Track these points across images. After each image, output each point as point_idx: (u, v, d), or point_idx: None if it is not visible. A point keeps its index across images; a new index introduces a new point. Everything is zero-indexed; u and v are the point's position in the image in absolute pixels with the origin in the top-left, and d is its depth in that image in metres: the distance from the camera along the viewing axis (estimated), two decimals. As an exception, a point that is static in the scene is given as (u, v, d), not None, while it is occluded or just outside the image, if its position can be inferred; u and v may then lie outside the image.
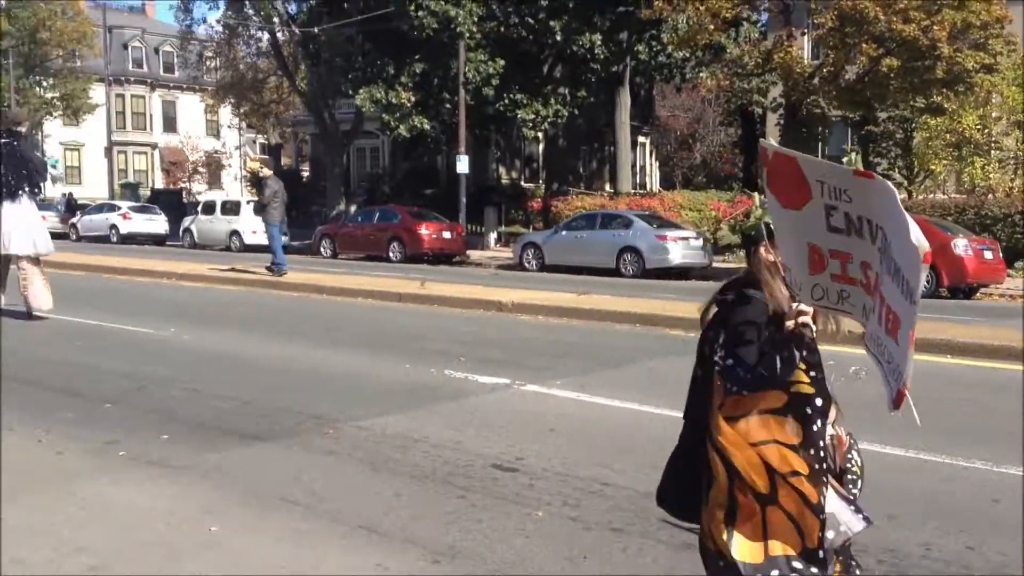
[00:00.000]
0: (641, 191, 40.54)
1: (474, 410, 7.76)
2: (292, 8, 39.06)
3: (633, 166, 40.92)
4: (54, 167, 58.72)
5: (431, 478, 5.86)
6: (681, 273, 23.46)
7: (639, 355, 10.69)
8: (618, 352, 10.96)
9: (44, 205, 40.32)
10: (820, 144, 32.70)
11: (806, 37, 31.40)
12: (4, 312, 12.65)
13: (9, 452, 6.37)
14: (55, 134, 62.14)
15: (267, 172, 19.72)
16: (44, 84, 54.91)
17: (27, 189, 12.35)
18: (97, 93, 55.10)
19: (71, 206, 43.88)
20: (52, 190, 57.22)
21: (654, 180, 50.17)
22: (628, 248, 23.83)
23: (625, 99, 35.00)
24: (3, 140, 12.11)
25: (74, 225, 39.60)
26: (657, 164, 52.49)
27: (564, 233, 25.73)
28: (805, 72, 27.30)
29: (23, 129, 13.30)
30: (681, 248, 23.66)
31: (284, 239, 27.43)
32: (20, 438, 6.74)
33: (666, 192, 36.95)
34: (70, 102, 55.73)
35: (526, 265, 25.76)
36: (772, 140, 30.42)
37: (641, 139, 47.35)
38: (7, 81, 48.86)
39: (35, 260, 12.53)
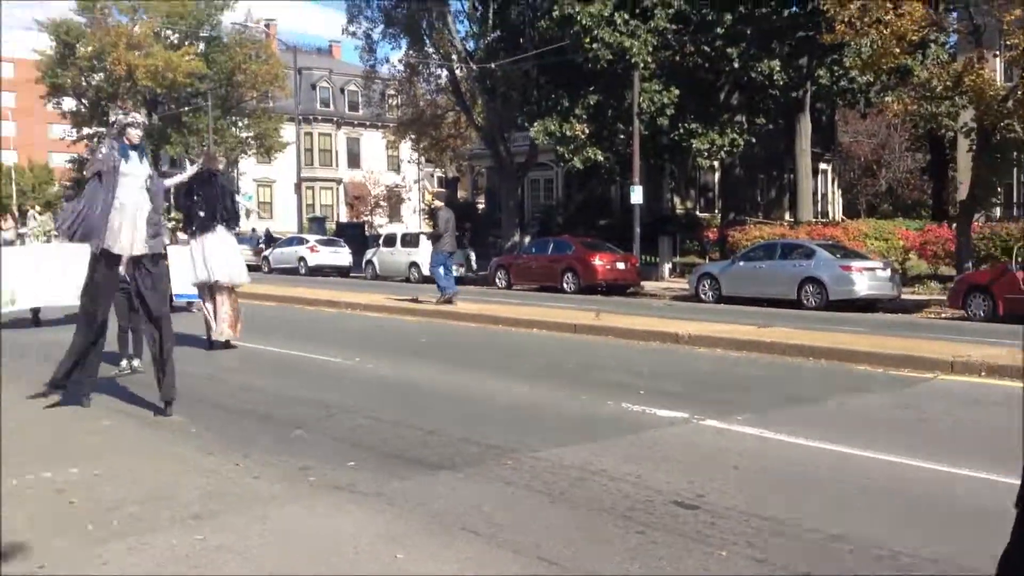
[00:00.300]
0: (823, 220, 39.37)
1: (653, 444, 7.67)
2: (470, 45, 40.00)
3: (814, 194, 39.80)
4: (248, 201, 62.02)
5: (610, 512, 5.81)
6: (867, 305, 22.59)
7: (824, 391, 10.33)
8: (802, 388, 10.64)
9: (240, 239, 42.65)
10: (1016, 171, 30.96)
11: (998, 59, 29.87)
12: (185, 339, 13.40)
13: (209, 476, 6.71)
14: (249, 171, 65.55)
15: (439, 204, 20.50)
16: (239, 124, 58.10)
17: (223, 222, 13.07)
18: (287, 132, 57.87)
19: (270, 239, 46.25)
20: (246, 224, 60.43)
21: (836, 208, 48.64)
22: (810, 279, 23.13)
23: (805, 125, 34.14)
24: (204, 177, 12.80)
25: (266, 258, 41.60)
26: (839, 192, 50.89)
27: (742, 263, 25.23)
28: (998, 95, 25.93)
29: (219, 167, 14.21)
30: (867, 279, 22.81)
31: (460, 270, 27.97)
32: (219, 462, 7.09)
33: (849, 221, 35.76)
34: (263, 141, 58.76)
35: (702, 296, 25.38)
36: (962, 166, 28.92)
37: (822, 166, 46.05)
38: (206, 122, 51.98)
39: (230, 289, 13.22)
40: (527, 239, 38.16)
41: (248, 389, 10.43)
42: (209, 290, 13.22)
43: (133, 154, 8.70)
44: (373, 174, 64.91)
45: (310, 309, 20.42)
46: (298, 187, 52.08)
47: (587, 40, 30.24)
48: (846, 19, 26.39)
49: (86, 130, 58.83)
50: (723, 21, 30.53)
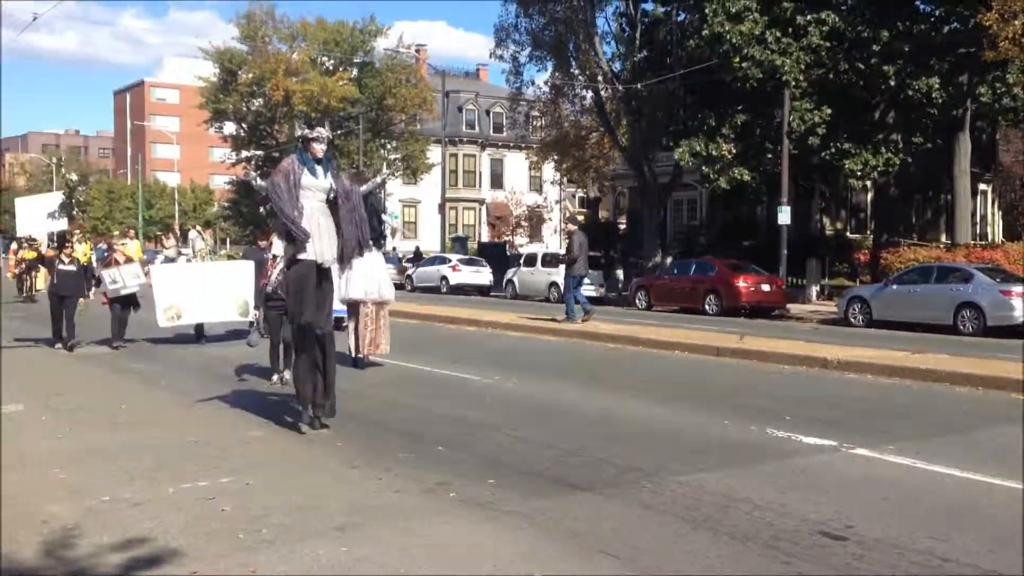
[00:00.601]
0: (981, 242, 37.64)
1: (799, 472, 7.46)
2: (616, 66, 40.01)
3: (972, 215, 38.12)
4: (394, 220, 63.48)
5: (754, 540, 5.67)
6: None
7: (982, 421, 9.85)
8: (958, 417, 10.17)
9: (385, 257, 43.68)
10: None
11: None
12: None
13: (354, 488, 6.87)
14: (396, 192, 67.15)
15: (572, 227, 20.67)
16: (388, 146, 59.61)
17: (371, 241, 13.35)
18: (433, 153, 59.05)
19: (418, 257, 47.30)
20: (392, 243, 61.82)
21: (996, 231, 46.47)
22: (967, 304, 22.12)
23: (965, 145, 32.77)
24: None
25: (409, 276, 42.46)
26: (1000, 213, 48.60)
27: (895, 287, 24.34)
28: None
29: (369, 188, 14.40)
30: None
31: (600, 290, 27.83)
32: (363, 475, 7.25)
33: (1010, 243, 34.05)
34: (409, 162, 60.12)
35: (852, 320, 24.60)
36: None
37: (982, 186, 44.11)
38: (357, 144, 53.54)
39: (378, 307, 13.47)
40: (668, 260, 37.81)
41: (392, 405, 10.65)
42: (357, 307, 13.41)
43: (318, 167, 8.69)
44: (516, 194, 65.56)
45: (452, 328, 20.72)
46: (442, 207, 53.05)
47: (736, 59, 29.81)
48: (1010, 35, 25.30)
49: (244, 153, 61.38)
50: (879, 38, 29.62)
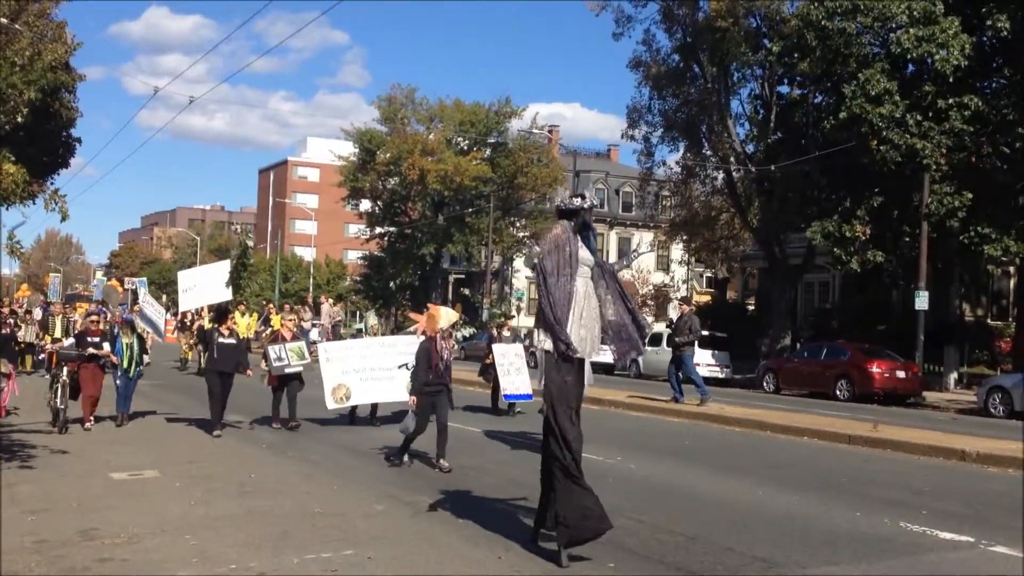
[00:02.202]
0: None
1: (933, 569, 7.14)
2: (749, 148, 39.85)
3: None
4: (519, 299, 64.02)
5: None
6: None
7: None
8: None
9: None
10: None
11: None
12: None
13: (473, 566, 6.88)
14: (522, 269, 67.79)
15: (685, 308, 21.27)
16: (517, 224, 60.40)
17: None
18: (561, 231, 59.58)
19: None
20: (517, 321, 62.27)
21: None
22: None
23: (1114, 228, 31.25)
24: None
25: (532, 354, 42.54)
26: None
27: (1039, 377, 23.21)
28: None
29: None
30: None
31: (718, 371, 27.21)
32: (484, 554, 7.26)
33: None
34: (538, 240, 60.76)
35: (991, 411, 23.50)
36: None
37: None
38: (487, 222, 54.43)
39: None
40: (798, 343, 36.92)
41: (517, 484, 10.67)
42: None
43: (589, 238, 7.56)
44: (642, 273, 65.39)
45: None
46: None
47: (875, 141, 29.30)
48: None
49: (378, 229, 63.09)
50: (1025, 121, 28.73)
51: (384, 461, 12.00)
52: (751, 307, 50.27)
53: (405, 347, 15.18)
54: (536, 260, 7.35)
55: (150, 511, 8.57)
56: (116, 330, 15.44)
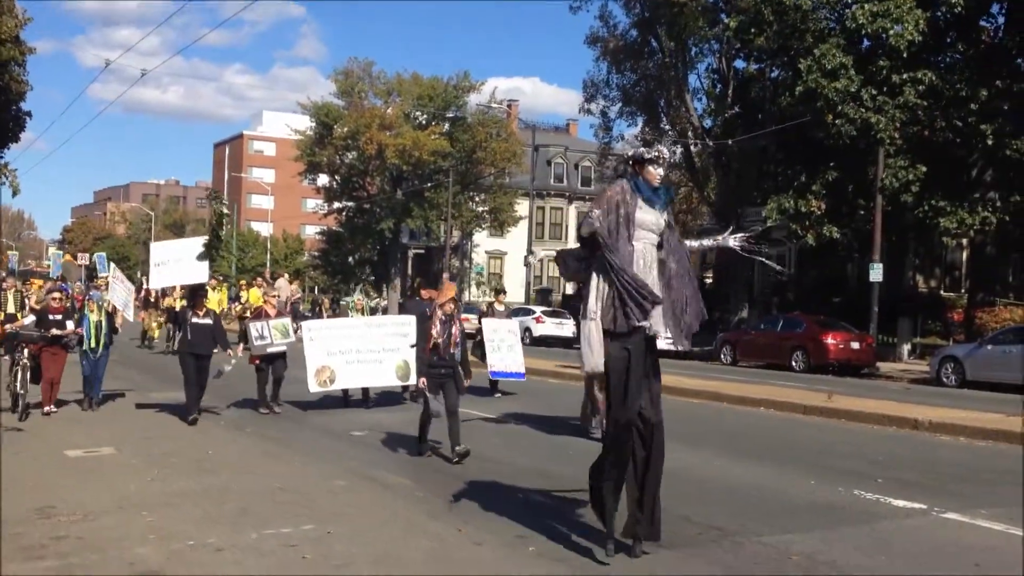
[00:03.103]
0: (1085, 304, 36.31)
1: (887, 536, 7.26)
2: (707, 123, 40.02)
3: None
4: (479, 274, 63.98)
5: (837, 606, 5.54)
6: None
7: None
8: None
9: (468, 309, 43.90)
10: None
11: None
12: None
13: (435, 540, 6.90)
14: (482, 244, 67.69)
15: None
16: (476, 199, 60.26)
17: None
18: (521, 206, 59.48)
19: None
20: (476, 295, 62.19)
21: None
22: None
23: (1065, 204, 31.80)
24: None
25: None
26: (1104, 273, 46.86)
27: (989, 347, 23.62)
28: None
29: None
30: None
31: (671, 343, 27.41)
32: (444, 527, 7.28)
33: (1114, 304, 32.79)
34: (497, 215, 60.64)
35: (944, 380, 23.90)
36: None
37: (1085, 247, 42.63)
38: (446, 197, 54.24)
39: None
40: (755, 315, 37.28)
41: (479, 459, 10.69)
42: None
43: (655, 199, 6.44)
44: (602, 248, 65.57)
45: (535, 379, 20.70)
46: (528, 259, 53.26)
47: (830, 116, 29.55)
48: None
49: (336, 204, 62.65)
50: (978, 96, 29.09)
51: (346, 439, 11.96)
52: (708, 280, 50.63)
53: (394, 328, 14.81)
54: (594, 225, 6.25)
55: (106, 489, 8.49)
56: (83, 308, 14.31)
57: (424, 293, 16.48)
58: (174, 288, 22.80)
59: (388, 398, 15.71)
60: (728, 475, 9.76)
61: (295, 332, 14.82)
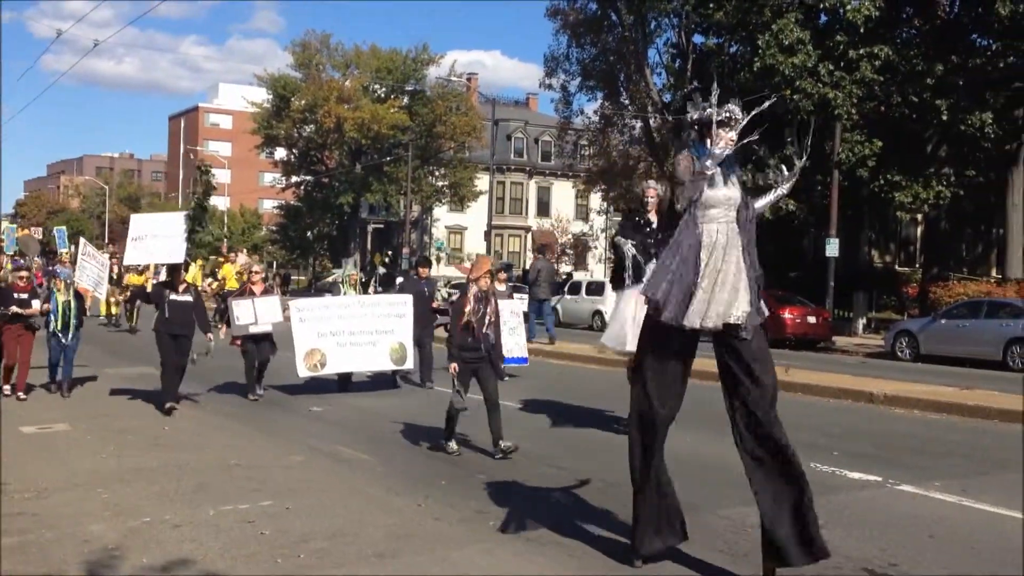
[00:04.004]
0: (1034, 278, 36.94)
1: (843, 508, 7.35)
2: (667, 97, 40.08)
3: (1025, 250, 37.46)
4: (439, 249, 63.81)
5: (795, 577, 5.59)
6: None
7: (1033, 460, 9.64)
8: (1007, 455, 9.94)
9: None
10: None
11: None
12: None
13: (394, 515, 6.88)
14: (443, 218, 67.52)
15: (537, 256, 21.55)
16: (436, 173, 60.02)
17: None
18: (481, 181, 59.36)
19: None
20: (437, 270, 62.06)
21: (1050, 266, 45.58)
22: (1018, 339, 21.69)
23: (1018, 179, 32.25)
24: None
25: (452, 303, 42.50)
26: (1054, 248, 47.66)
27: (943, 321, 23.96)
28: None
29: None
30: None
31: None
32: (404, 502, 7.26)
33: (1064, 279, 33.38)
34: (457, 190, 60.48)
35: (899, 354, 24.23)
36: None
37: (1036, 221, 43.33)
38: (405, 171, 53.97)
39: None
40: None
41: (438, 432, 10.67)
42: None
43: (725, 170, 5.68)
44: (562, 222, 65.64)
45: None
46: (488, 234, 53.21)
47: (788, 91, 29.72)
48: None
49: (295, 178, 62.12)
50: (933, 72, 29.38)
51: (305, 416, 11.88)
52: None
53: (389, 308, 13.97)
54: (682, 205, 5.50)
55: (61, 465, 8.38)
56: (51, 285, 13.19)
57: (423, 271, 15.50)
58: (137, 266, 22.04)
59: (380, 382, 14.74)
60: (686, 448, 9.80)
61: (284, 312, 13.57)
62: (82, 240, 15.59)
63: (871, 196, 31.93)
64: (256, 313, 13.13)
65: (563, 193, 70.85)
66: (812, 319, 28.05)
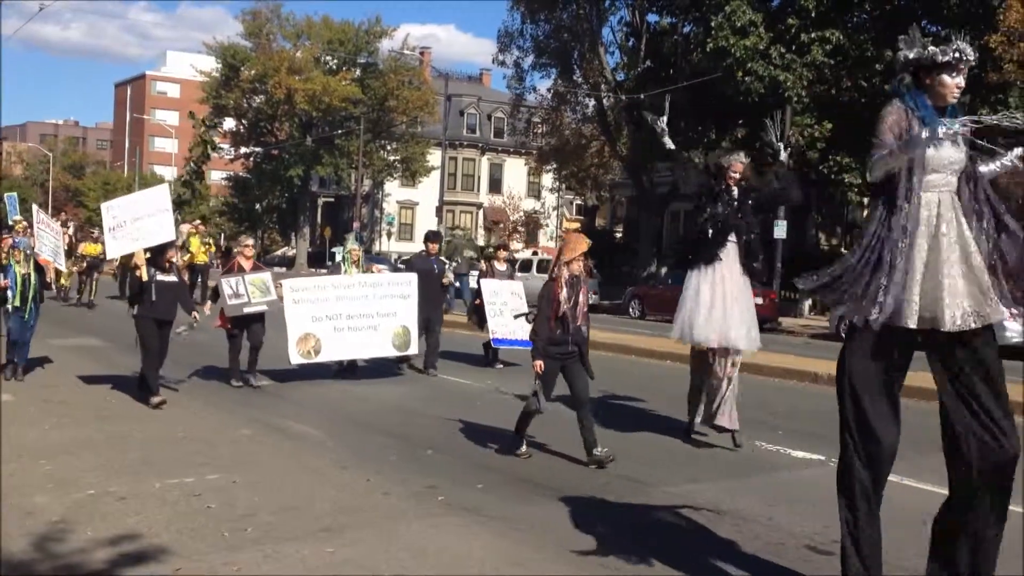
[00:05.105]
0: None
1: (787, 485, 7.47)
2: (620, 76, 40.11)
3: (970, 235, 38.18)
4: (389, 224, 63.50)
5: (739, 553, 5.67)
6: (1018, 353, 21.45)
7: (971, 441, 9.85)
8: (947, 436, 10.16)
9: (379, 259, 43.45)
10: None
11: None
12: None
13: (342, 490, 6.86)
14: (394, 193, 67.14)
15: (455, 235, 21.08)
16: (388, 148, 59.60)
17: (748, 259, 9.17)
18: (433, 156, 59.09)
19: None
20: (387, 246, 61.76)
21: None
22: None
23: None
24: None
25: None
26: (996, 234, 48.68)
27: (888, 304, 24.35)
28: None
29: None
30: (1020, 327, 21.67)
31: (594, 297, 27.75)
32: (352, 477, 7.24)
33: (1006, 265, 34.10)
34: (409, 165, 60.13)
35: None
36: None
37: (979, 208, 44.21)
38: (357, 145, 53.53)
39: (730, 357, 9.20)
40: (664, 270, 37.80)
41: (387, 408, 10.65)
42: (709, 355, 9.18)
43: (945, 130, 4.33)
44: (514, 199, 65.62)
45: (447, 331, 20.68)
46: (440, 210, 53.08)
47: (740, 73, 29.90)
48: (1015, 58, 25.39)
49: (244, 149, 61.34)
50: (883, 57, 29.73)
51: (249, 387, 11.76)
52: (619, 235, 51.09)
53: (391, 287, 12.80)
54: (889, 163, 4.46)
55: (3, 437, 8.22)
56: (7, 257, 11.99)
57: (431, 247, 14.05)
58: (92, 233, 21.23)
59: (380, 368, 13.39)
60: (637, 426, 9.90)
61: (276, 290, 12.23)
62: (35, 207, 14.92)
63: (820, 179, 32.32)
64: (248, 291, 11.90)
65: (515, 170, 70.77)
66: (759, 300, 28.13)
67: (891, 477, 7.53)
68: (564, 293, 7.85)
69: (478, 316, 14.53)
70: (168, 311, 10.66)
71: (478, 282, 15.36)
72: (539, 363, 7.87)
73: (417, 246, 60.51)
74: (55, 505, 6.16)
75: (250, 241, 13.40)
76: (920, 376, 5.30)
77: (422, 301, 12.77)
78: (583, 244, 8.02)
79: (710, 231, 8.74)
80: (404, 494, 6.75)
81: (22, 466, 7.21)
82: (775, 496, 7.08)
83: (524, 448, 8.17)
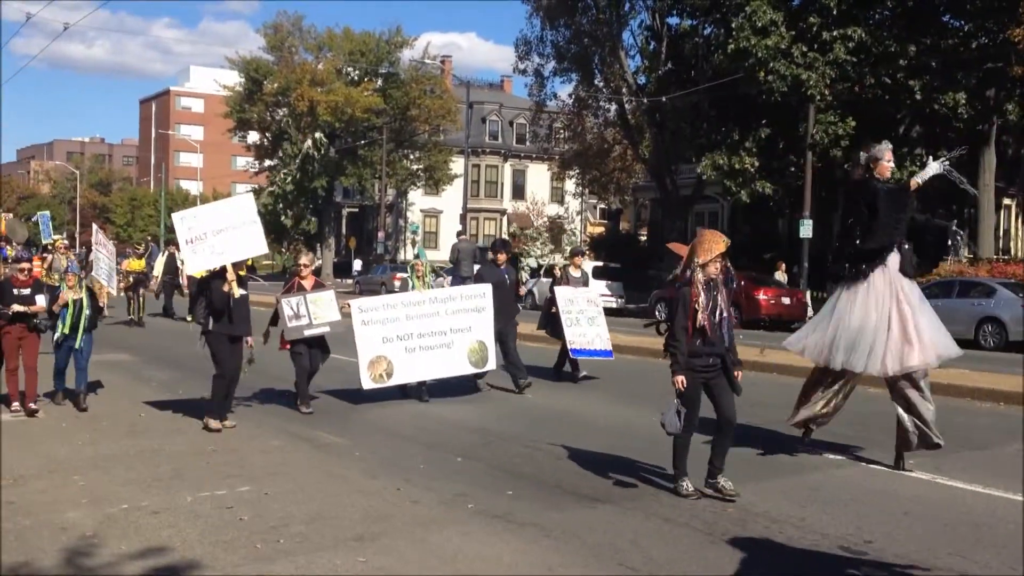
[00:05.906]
0: (1004, 257, 37.32)
1: (819, 486, 7.42)
2: (641, 80, 40.05)
3: (996, 230, 37.79)
4: (414, 232, 63.59)
5: (772, 556, 5.64)
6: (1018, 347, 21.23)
7: (1003, 437, 9.77)
8: (979, 432, 10.08)
9: (403, 269, 43.49)
10: None
11: None
12: None
13: (372, 498, 6.88)
14: (418, 202, 67.27)
15: (458, 239, 21.59)
16: (411, 157, 59.73)
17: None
18: (456, 164, 59.16)
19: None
20: (412, 254, 61.79)
21: (1020, 245, 46.04)
22: (989, 318, 21.94)
23: (990, 160, 32.51)
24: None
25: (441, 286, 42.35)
26: (1024, 228, 48.16)
27: (917, 301, 24.14)
28: None
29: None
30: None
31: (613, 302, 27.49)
32: (382, 485, 7.26)
33: (1035, 259, 33.78)
34: (432, 173, 60.22)
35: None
36: None
37: (1006, 201, 43.70)
38: (380, 154, 53.68)
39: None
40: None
41: (414, 415, 10.67)
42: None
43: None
44: (537, 205, 65.58)
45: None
46: (463, 218, 53.13)
47: (762, 73, 29.77)
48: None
49: (268, 162, 61.67)
50: (906, 53, 29.54)
51: (284, 396, 11.79)
52: (643, 237, 50.96)
53: (465, 301, 11.96)
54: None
55: (36, 452, 8.31)
56: (58, 282, 11.32)
57: (500, 256, 13.18)
58: (137, 249, 20.82)
59: (449, 387, 12.39)
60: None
61: (341, 309, 11.40)
62: (95, 227, 14.46)
63: (845, 177, 32.10)
64: (309, 312, 11.07)
65: (538, 176, 70.75)
66: (787, 300, 28.22)
67: (921, 475, 7.49)
68: (702, 299, 7.15)
69: (552, 326, 13.85)
70: (242, 326, 10.00)
71: (551, 289, 14.48)
72: (680, 378, 7.08)
73: (443, 254, 60.63)
74: (88, 520, 6.21)
75: (306, 259, 12.39)
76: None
77: (495, 313, 12.10)
78: (720, 244, 7.32)
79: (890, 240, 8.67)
80: (434, 502, 6.76)
81: (55, 482, 7.28)
82: (807, 497, 7.03)
83: (687, 486, 7.07)
